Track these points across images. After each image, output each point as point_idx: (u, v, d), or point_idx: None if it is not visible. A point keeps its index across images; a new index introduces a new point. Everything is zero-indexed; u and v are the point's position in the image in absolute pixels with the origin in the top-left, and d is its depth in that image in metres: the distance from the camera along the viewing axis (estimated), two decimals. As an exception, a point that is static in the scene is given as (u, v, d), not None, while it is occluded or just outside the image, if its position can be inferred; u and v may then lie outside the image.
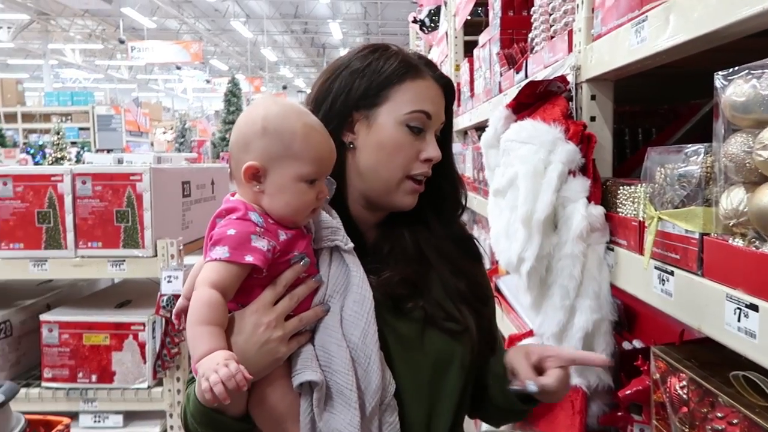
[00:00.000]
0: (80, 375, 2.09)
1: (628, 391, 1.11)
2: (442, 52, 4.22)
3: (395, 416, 0.89)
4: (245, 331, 0.85)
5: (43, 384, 2.10)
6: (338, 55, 1.09)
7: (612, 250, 1.16)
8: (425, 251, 1.02)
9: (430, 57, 1.16)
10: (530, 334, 1.38)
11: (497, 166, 1.37)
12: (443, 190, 1.06)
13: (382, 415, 0.88)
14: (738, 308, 0.73)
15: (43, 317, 2.11)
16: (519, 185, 1.20)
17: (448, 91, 1.04)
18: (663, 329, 1.36)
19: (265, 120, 0.87)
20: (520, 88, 1.37)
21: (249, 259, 0.82)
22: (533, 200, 1.17)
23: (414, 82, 0.98)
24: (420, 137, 0.98)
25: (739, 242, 0.76)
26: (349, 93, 0.98)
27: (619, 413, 1.21)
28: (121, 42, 16.77)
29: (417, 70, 0.99)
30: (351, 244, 0.92)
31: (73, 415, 2.13)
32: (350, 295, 0.89)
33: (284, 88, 26.02)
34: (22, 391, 2.08)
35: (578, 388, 1.24)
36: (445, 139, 1.06)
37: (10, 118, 13.10)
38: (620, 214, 1.13)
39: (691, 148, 0.88)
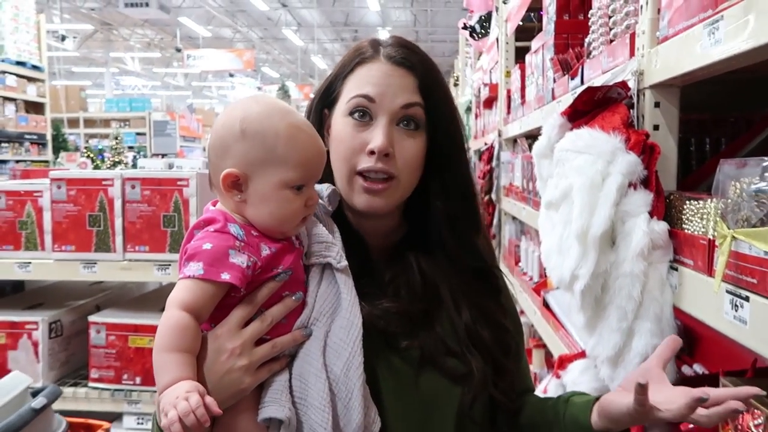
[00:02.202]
0: (125, 377, 2.12)
1: (692, 424, 1.02)
2: (492, 59, 4.15)
3: None
4: (209, 357, 0.76)
5: (90, 384, 2.14)
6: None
7: (676, 269, 1.07)
8: (440, 288, 0.90)
9: (479, 64, 1.05)
10: (582, 355, 1.29)
11: (550, 177, 1.29)
12: (449, 207, 0.92)
13: None
14: (830, 343, 0.65)
15: (92, 318, 2.15)
16: (574, 198, 1.12)
17: (415, 69, 0.88)
18: (728, 353, 1.25)
19: (245, 121, 0.78)
20: (575, 94, 1.30)
21: (225, 277, 0.74)
22: (589, 214, 1.09)
23: (361, 68, 0.88)
24: (367, 125, 0.86)
25: (830, 268, 0.67)
26: (318, 92, 0.93)
27: (681, 447, 1.11)
28: (178, 50, 17.33)
29: (370, 52, 0.89)
30: (345, 263, 0.82)
31: (118, 416, 2.16)
32: (338, 320, 0.79)
33: (333, 95, 26.24)
34: (70, 390, 2.13)
35: (635, 417, 1.15)
36: (443, 137, 0.90)
37: (73, 123, 13.68)
38: (686, 231, 1.04)
39: (771, 160, 0.79)
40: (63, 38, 15.76)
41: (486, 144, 4.16)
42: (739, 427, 0.88)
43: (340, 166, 0.88)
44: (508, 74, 3.37)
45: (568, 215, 1.14)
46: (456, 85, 9.21)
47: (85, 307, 2.35)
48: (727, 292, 0.87)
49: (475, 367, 0.86)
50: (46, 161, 9.42)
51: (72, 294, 2.46)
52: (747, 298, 0.82)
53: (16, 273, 2.15)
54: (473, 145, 5.87)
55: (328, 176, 0.90)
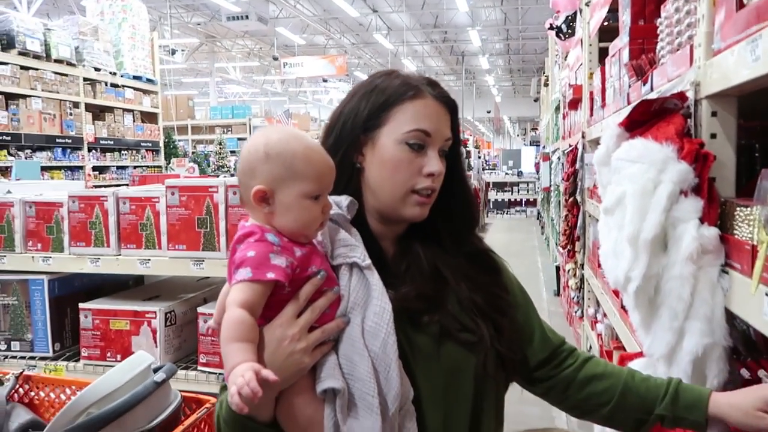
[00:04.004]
0: (228, 362, 2.38)
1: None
2: (578, 59, 4.12)
3: (414, 422, 0.93)
4: (271, 344, 0.89)
5: (199, 368, 2.42)
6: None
7: (727, 273, 1.11)
8: (442, 270, 1.05)
9: (566, 61, 1.13)
10: (641, 355, 1.35)
11: (609, 183, 1.36)
12: (453, 209, 1.09)
13: (402, 420, 0.91)
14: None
15: (200, 309, 2.43)
16: (626, 204, 1.19)
17: (451, 108, 1.06)
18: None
19: (267, 146, 0.93)
20: (634, 104, 1.36)
21: (271, 275, 0.87)
22: (640, 220, 1.16)
23: (413, 102, 1.02)
24: (422, 153, 1.02)
25: (844, 273, 0.72)
26: (356, 117, 1.04)
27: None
28: (275, 59, 18.23)
29: (416, 90, 1.03)
30: (368, 261, 0.96)
31: (222, 397, 2.43)
32: (370, 307, 0.93)
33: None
34: (182, 372, 2.41)
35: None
36: (453, 156, 1.08)
37: (182, 130, 14.77)
38: (736, 236, 1.09)
39: (803, 171, 0.84)
40: (173, 52, 17.06)
41: (570, 145, 4.13)
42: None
43: (396, 186, 1.03)
44: (591, 76, 3.35)
45: (622, 220, 1.22)
46: (546, 85, 9.04)
47: (194, 299, 2.65)
48: (767, 294, 0.92)
49: (483, 333, 1.01)
50: (159, 166, 10.26)
51: (183, 288, 2.78)
52: (781, 301, 0.87)
53: (138, 268, 2.48)
54: (561, 145, 5.79)
55: (354, 193, 1.05)
